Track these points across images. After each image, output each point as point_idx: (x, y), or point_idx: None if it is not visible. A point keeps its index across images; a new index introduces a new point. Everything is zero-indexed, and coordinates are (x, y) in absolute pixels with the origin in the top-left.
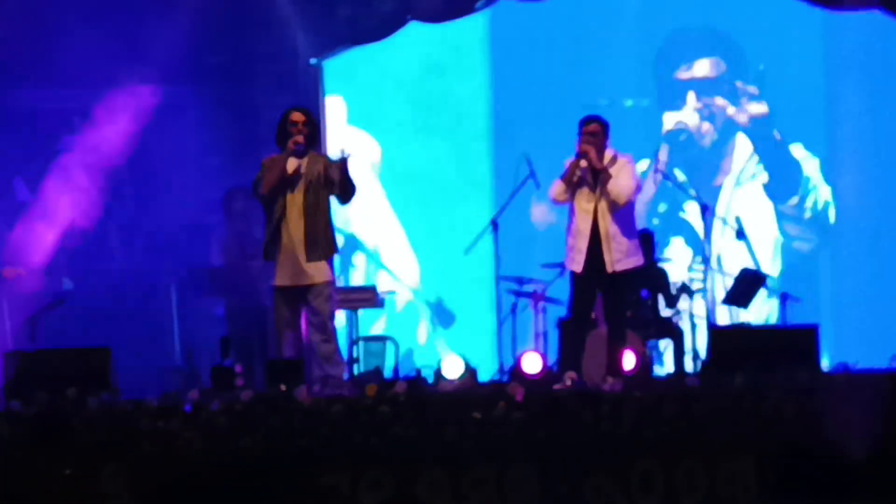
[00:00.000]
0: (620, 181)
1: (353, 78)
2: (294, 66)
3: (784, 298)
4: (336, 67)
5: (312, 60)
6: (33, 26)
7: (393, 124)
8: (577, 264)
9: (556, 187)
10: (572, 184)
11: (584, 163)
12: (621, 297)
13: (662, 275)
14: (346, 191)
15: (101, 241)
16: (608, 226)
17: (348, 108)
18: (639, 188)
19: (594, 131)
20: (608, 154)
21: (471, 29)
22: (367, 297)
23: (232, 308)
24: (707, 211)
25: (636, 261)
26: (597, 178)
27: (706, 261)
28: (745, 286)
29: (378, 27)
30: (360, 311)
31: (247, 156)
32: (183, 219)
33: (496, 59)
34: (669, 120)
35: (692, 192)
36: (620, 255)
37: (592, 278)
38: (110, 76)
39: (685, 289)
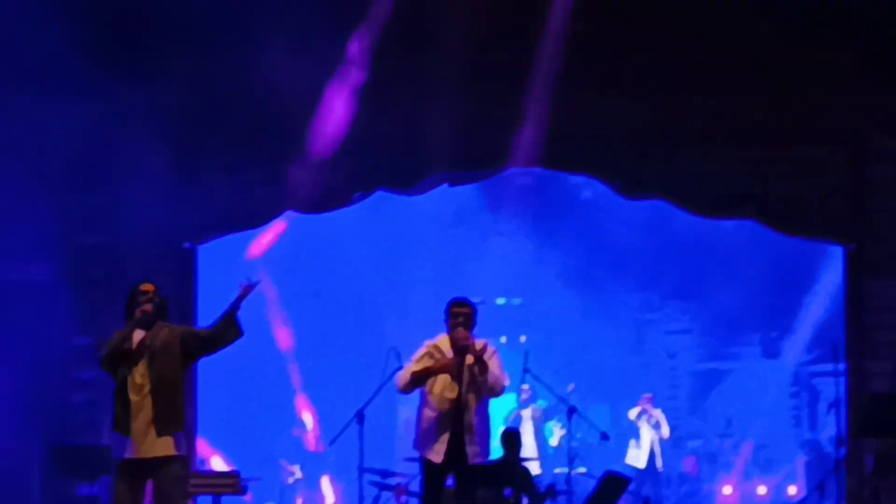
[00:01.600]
0: (497, 372)
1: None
2: (168, 249)
3: (645, 502)
4: None
5: (186, 244)
6: None
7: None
8: (438, 455)
9: (407, 379)
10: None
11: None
12: (475, 491)
13: (527, 474)
14: (224, 336)
15: None
16: (472, 418)
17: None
18: (506, 377)
19: (468, 315)
20: (479, 342)
21: (344, 220)
22: (230, 483)
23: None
24: (574, 413)
25: (489, 453)
26: (462, 366)
27: (571, 461)
28: (609, 489)
29: (254, 215)
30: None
31: None
32: (52, 397)
33: (367, 251)
34: None
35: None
36: (481, 448)
37: (448, 469)
38: None
39: (552, 491)
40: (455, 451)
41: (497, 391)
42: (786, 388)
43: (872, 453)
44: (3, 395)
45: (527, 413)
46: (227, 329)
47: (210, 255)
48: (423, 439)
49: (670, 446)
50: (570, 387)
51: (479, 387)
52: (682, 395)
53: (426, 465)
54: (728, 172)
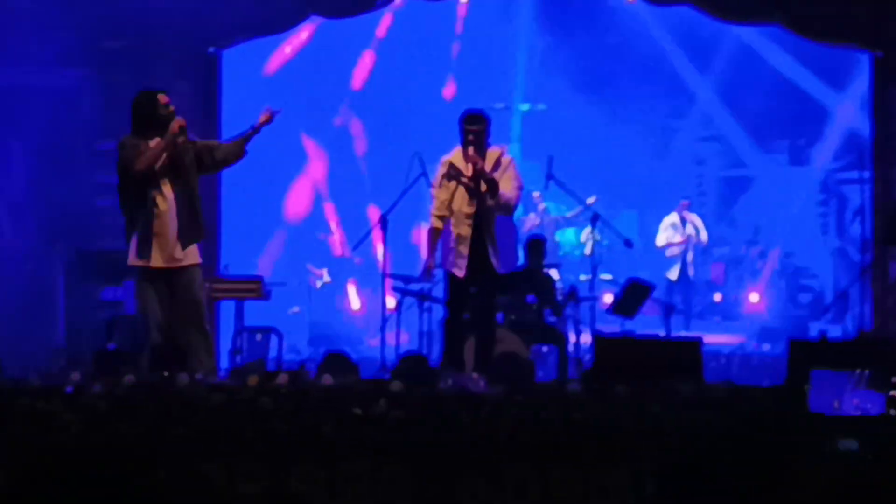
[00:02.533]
0: (508, 190)
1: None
2: (193, 54)
3: (669, 309)
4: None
5: (211, 49)
6: None
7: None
8: (460, 269)
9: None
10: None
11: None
12: (492, 297)
13: (550, 281)
14: (231, 158)
15: None
16: (493, 230)
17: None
18: (522, 187)
19: (479, 132)
20: (492, 153)
21: (366, 24)
22: (253, 288)
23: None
24: (596, 220)
25: (515, 261)
26: (478, 183)
27: (594, 269)
28: (632, 295)
29: (278, 19)
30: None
31: None
32: (75, 201)
33: (390, 55)
34: None
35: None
36: (504, 259)
37: (471, 282)
38: (2, 54)
39: (573, 295)
40: (478, 264)
41: (510, 208)
42: (813, 195)
43: None
44: (29, 200)
45: (536, 221)
46: (236, 150)
47: (234, 61)
48: (447, 254)
49: (698, 252)
50: (591, 199)
51: (494, 205)
52: (709, 202)
53: (450, 277)
54: None
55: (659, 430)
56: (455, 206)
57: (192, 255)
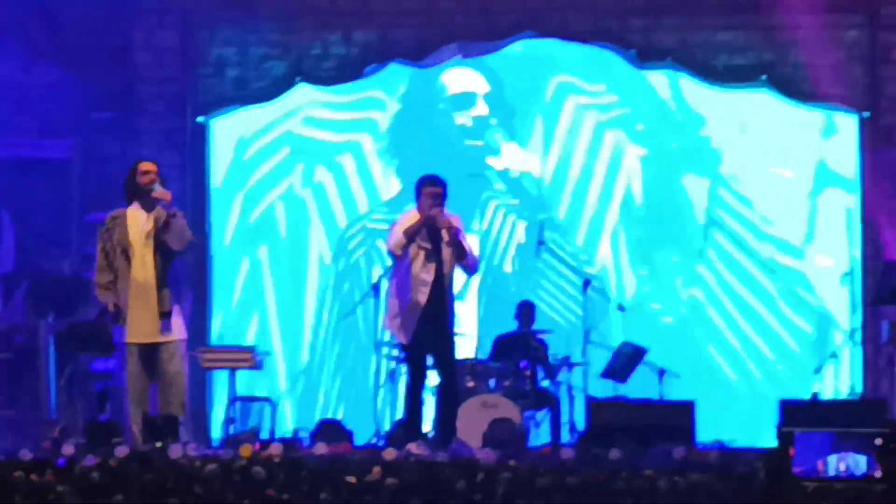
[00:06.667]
0: (475, 251)
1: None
2: (182, 124)
3: (661, 373)
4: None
5: (200, 118)
6: None
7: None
8: (407, 336)
9: (398, 238)
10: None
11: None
12: (454, 362)
13: (542, 346)
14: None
15: None
16: (446, 294)
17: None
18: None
19: (438, 193)
20: (453, 216)
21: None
22: (245, 358)
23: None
24: (588, 284)
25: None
26: (438, 244)
27: (586, 333)
28: (625, 360)
29: (267, 89)
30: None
31: None
32: (64, 273)
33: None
34: None
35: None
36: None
37: (425, 347)
38: None
39: (565, 361)
40: (431, 331)
41: (476, 269)
42: None
43: None
44: (18, 272)
45: None
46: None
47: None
48: (391, 317)
49: None
50: None
51: (460, 267)
52: None
53: (401, 346)
54: (742, 41)
55: (652, 493)
56: (412, 271)
57: (174, 330)
